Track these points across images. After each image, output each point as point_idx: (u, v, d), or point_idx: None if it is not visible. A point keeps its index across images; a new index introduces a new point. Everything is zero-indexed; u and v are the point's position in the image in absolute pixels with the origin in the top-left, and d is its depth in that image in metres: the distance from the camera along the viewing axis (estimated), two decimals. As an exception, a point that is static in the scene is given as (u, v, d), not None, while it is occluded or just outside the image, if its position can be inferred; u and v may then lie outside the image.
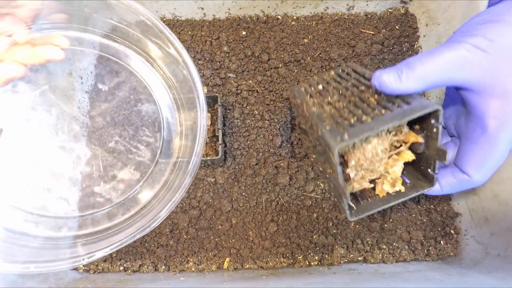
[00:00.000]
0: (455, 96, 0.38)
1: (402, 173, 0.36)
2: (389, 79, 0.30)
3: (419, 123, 0.32)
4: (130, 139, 0.41)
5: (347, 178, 0.34)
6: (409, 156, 0.34)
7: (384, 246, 0.44)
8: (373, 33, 0.53)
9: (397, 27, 0.54)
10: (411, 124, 0.33)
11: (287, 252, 0.44)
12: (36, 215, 0.37)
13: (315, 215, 0.45)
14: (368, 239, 0.44)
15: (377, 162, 0.33)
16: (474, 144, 0.32)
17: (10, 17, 0.35)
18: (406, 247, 0.44)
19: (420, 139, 0.32)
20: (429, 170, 0.34)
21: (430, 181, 0.35)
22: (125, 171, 0.40)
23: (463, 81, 0.30)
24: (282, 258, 0.44)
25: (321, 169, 0.39)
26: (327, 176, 0.36)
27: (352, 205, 0.34)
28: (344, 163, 0.34)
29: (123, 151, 0.40)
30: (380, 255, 0.44)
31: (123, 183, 0.40)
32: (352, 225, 0.45)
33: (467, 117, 0.34)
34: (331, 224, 0.45)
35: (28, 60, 0.33)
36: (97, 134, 0.41)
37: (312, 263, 0.44)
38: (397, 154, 0.34)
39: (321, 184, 0.47)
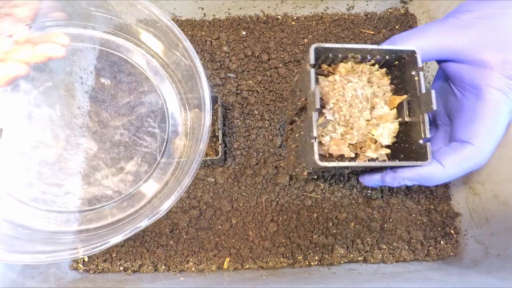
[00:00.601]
0: (438, 80, 0.39)
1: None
2: None
3: (402, 85, 0.34)
4: (136, 131, 0.41)
5: (322, 121, 0.32)
6: (391, 116, 0.34)
7: (384, 246, 0.44)
8: (373, 33, 0.53)
9: (397, 27, 0.54)
10: (395, 92, 0.35)
11: (287, 252, 0.44)
12: (45, 210, 0.38)
13: (315, 215, 0.45)
14: (368, 239, 0.44)
15: (356, 108, 0.33)
16: (469, 111, 0.32)
17: (9, 17, 0.35)
18: (406, 247, 0.44)
19: (403, 96, 0.33)
20: (421, 141, 0.31)
21: (425, 155, 0.31)
22: (133, 163, 0.40)
23: (452, 50, 0.32)
24: (282, 258, 0.44)
25: (297, 135, 0.37)
26: (300, 140, 0.35)
27: (319, 137, 0.32)
28: (323, 107, 0.33)
29: (129, 143, 0.41)
30: (380, 255, 0.44)
31: (131, 175, 0.40)
32: (352, 225, 0.45)
33: (456, 92, 0.34)
34: (331, 224, 0.45)
35: (30, 58, 0.34)
36: (103, 127, 0.41)
37: (312, 263, 0.44)
38: (380, 117, 0.34)
39: (321, 184, 0.47)
